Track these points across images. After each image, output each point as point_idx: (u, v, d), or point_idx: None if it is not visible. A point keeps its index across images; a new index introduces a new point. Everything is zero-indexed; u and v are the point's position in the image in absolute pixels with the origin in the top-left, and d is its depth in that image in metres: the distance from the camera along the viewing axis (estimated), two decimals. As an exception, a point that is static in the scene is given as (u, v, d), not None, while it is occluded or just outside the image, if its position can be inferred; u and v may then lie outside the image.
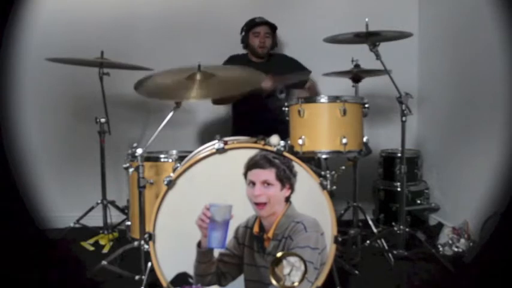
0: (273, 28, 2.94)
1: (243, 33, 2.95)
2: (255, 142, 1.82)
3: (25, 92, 2.93)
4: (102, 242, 2.72)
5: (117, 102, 2.94)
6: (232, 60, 2.94)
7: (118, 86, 2.70)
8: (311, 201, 1.81)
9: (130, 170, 1.97)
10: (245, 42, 2.95)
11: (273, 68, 2.77)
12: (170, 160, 2.20)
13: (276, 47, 3.03)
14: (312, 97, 2.45)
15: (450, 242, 2.47)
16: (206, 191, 1.79)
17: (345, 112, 1.98)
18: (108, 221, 2.76)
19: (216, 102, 2.97)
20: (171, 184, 1.77)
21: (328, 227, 1.81)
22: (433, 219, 3.11)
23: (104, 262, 2.09)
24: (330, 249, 1.81)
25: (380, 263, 2.35)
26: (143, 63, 2.59)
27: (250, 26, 2.91)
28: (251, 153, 1.78)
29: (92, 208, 2.81)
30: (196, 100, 1.95)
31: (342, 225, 2.30)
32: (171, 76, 2.02)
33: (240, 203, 1.78)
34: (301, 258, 1.77)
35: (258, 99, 2.76)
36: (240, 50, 2.99)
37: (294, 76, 2.78)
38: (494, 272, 1.58)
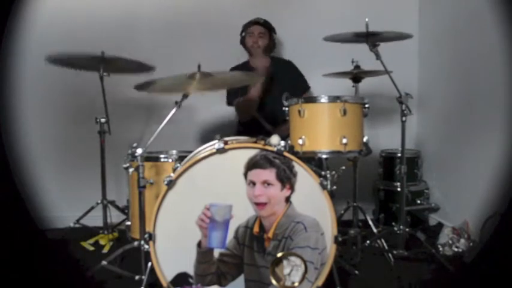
0: (267, 28, 2.91)
1: (242, 35, 2.95)
2: (255, 142, 1.83)
3: (25, 92, 2.91)
4: (102, 242, 2.72)
5: (117, 102, 2.93)
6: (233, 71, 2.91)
7: (118, 85, 2.70)
8: (311, 201, 1.81)
9: (130, 170, 1.97)
10: (243, 43, 2.95)
11: (273, 75, 2.75)
12: (170, 160, 2.20)
13: (275, 48, 3.02)
14: (312, 97, 2.45)
15: (450, 242, 2.47)
16: (206, 191, 1.79)
17: (345, 112, 1.97)
18: (108, 221, 2.75)
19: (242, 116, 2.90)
20: (171, 184, 1.77)
21: (328, 227, 1.81)
22: (433, 219, 3.10)
23: (104, 262, 2.09)
24: (330, 249, 1.81)
25: (380, 263, 2.34)
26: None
27: (246, 26, 2.92)
28: (251, 153, 1.78)
29: (92, 208, 2.81)
30: (196, 92, 1.93)
31: (342, 225, 2.29)
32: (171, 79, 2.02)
33: (240, 203, 1.78)
34: (301, 258, 1.77)
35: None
36: (240, 50, 2.99)
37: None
38: (494, 272, 1.58)
